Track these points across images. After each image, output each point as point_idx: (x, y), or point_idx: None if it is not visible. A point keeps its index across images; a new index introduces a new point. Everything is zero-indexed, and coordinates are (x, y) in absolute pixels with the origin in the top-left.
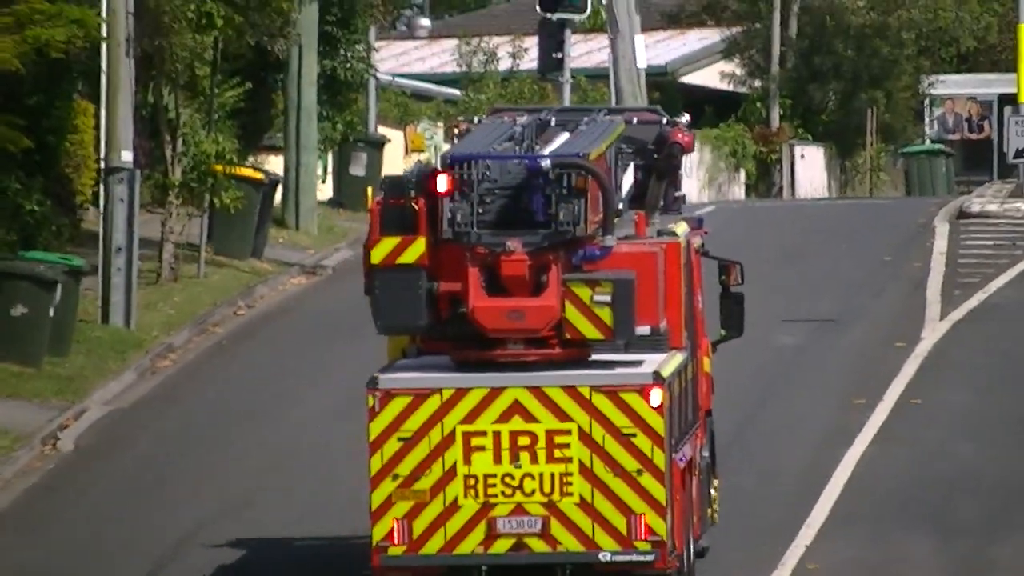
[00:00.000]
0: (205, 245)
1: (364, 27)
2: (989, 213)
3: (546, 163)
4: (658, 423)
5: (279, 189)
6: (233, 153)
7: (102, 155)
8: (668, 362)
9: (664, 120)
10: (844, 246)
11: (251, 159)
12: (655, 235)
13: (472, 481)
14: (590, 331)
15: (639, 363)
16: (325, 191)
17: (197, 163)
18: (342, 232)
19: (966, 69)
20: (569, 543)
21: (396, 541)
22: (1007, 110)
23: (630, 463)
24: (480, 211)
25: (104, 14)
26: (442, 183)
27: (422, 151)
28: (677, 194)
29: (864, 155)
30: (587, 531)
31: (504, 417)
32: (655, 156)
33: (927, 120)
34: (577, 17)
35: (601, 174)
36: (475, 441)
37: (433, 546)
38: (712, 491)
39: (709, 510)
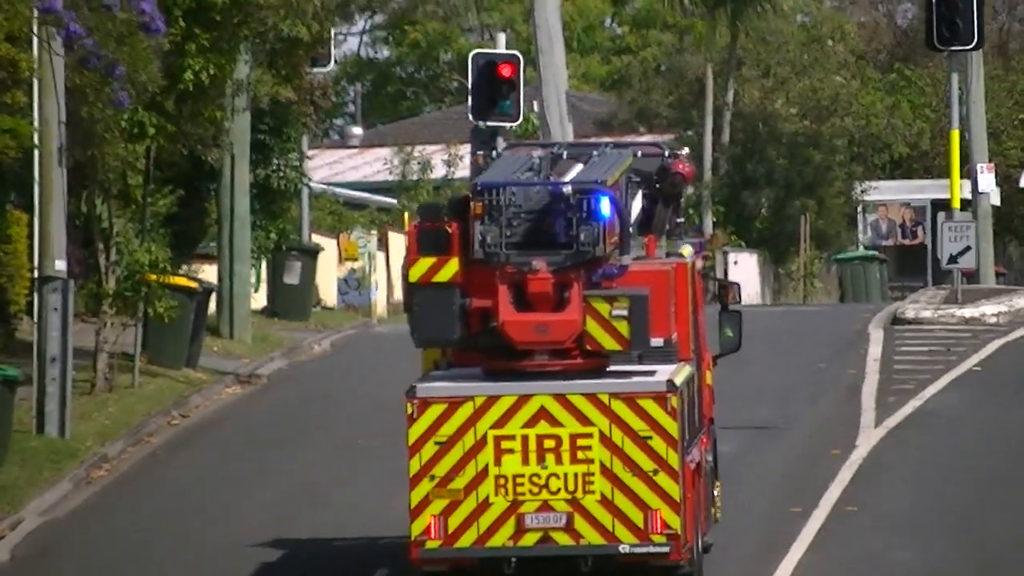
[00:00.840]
0: (139, 354)
1: (297, 136)
2: (924, 319)
3: (568, 189)
4: (672, 427)
5: (213, 298)
6: (167, 262)
7: (35, 264)
8: (679, 372)
9: (666, 153)
10: (779, 353)
11: (185, 268)
12: (664, 256)
13: (502, 481)
14: (609, 343)
15: (654, 372)
16: (259, 300)
17: (131, 272)
18: (276, 341)
19: (899, 175)
20: (591, 536)
21: (433, 535)
22: (940, 216)
23: (647, 463)
24: (508, 233)
25: (36, 124)
26: (475, 207)
27: (356, 259)
28: (679, 220)
29: (798, 261)
30: (608, 526)
31: (531, 422)
32: (659, 185)
33: (860, 226)
34: (509, 125)
35: (618, 199)
36: (505, 444)
37: (467, 540)
38: (715, 492)
39: (713, 509)
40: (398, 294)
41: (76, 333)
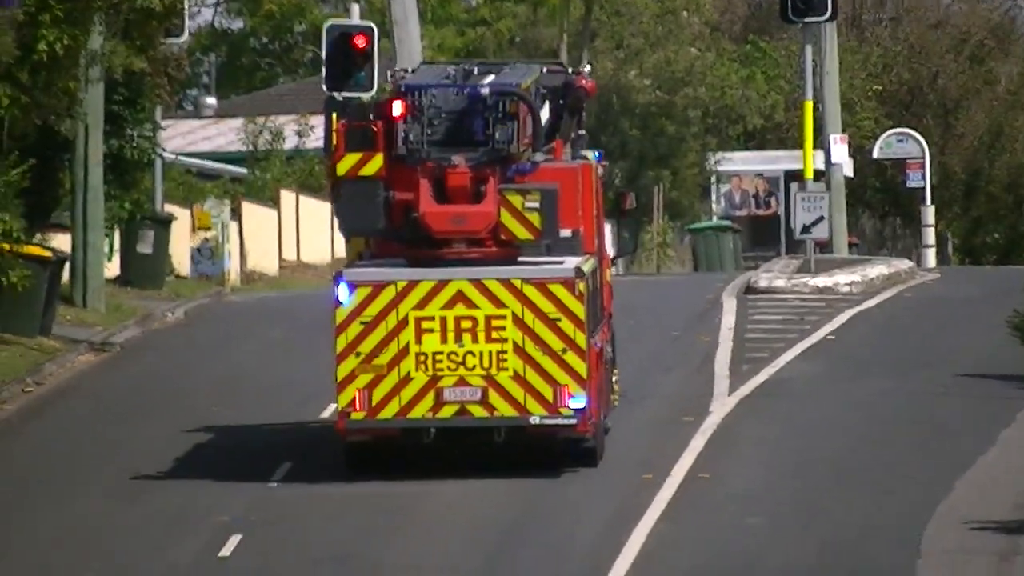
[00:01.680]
0: None
1: (151, 107)
2: (777, 288)
3: (485, 91)
4: (579, 310)
5: (67, 267)
6: (20, 232)
7: None
8: (585, 262)
9: (569, 70)
10: (632, 322)
11: (38, 237)
12: (570, 159)
13: (423, 358)
14: (522, 233)
15: (562, 261)
16: (113, 269)
17: None
18: (130, 310)
19: (753, 147)
20: (504, 409)
21: (358, 408)
22: (793, 186)
23: (556, 343)
24: (429, 132)
25: None
26: (397, 108)
27: (209, 229)
28: (581, 133)
29: (651, 232)
30: (520, 399)
31: (449, 304)
32: (564, 97)
33: (714, 197)
34: (364, 96)
35: (531, 100)
36: (425, 324)
37: (389, 412)
38: (614, 379)
39: (612, 395)
40: (251, 263)
41: None
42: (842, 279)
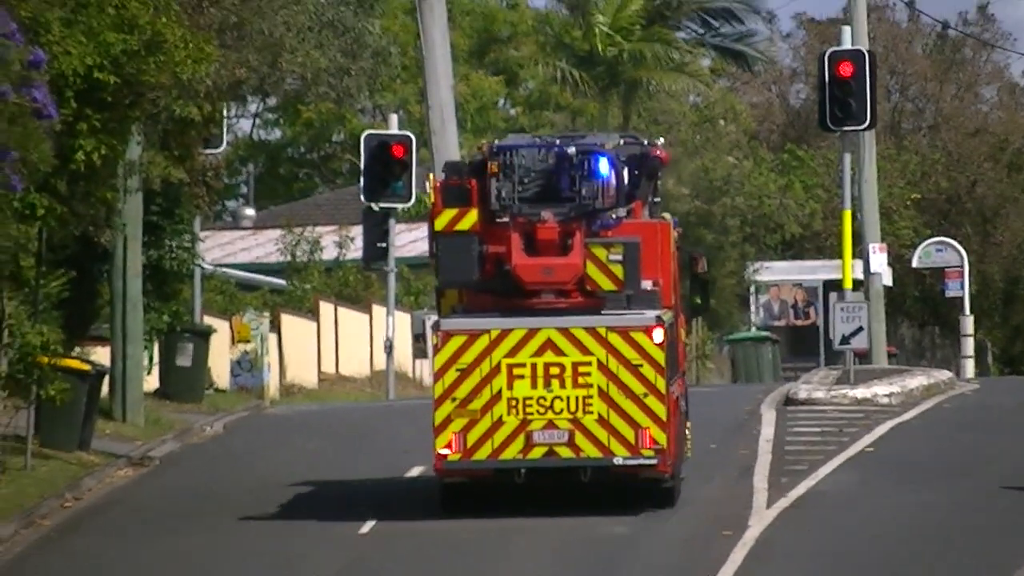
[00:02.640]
0: (32, 437)
1: (189, 217)
2: (816, 400)
3: (572, 150)
4: (660, 356)
5: (106, 380)
6: (59, 344)
7: None
8: (665, 313)
9: (645, 141)
10: None
11: (77, 350)
12: (649, 218)
13: (514, 402)
14: (606, 283)
15: (643, 312)
16: (152, 382)
17: (23, 355)
18: (169, 423)
19: (791, 256)
20: (589, 451)
21: (454, 449)
22: (832, 296)
23: (638, 388)
24: (520, 189)
25: None
26: (491, 166)
27: (248, 341)
28: (656, 200)
29: (689, 342)
30: (604, 441)
31: (539, 352)
32: (641, 164)
33: (753, 306)
34: (401, 206)
35: (615, 158)
36: (516, 371)
37: (483, 453)
38: (687, 432)
39: (686, 447)
40: (290, 376)
41: None
42: (881, 390)
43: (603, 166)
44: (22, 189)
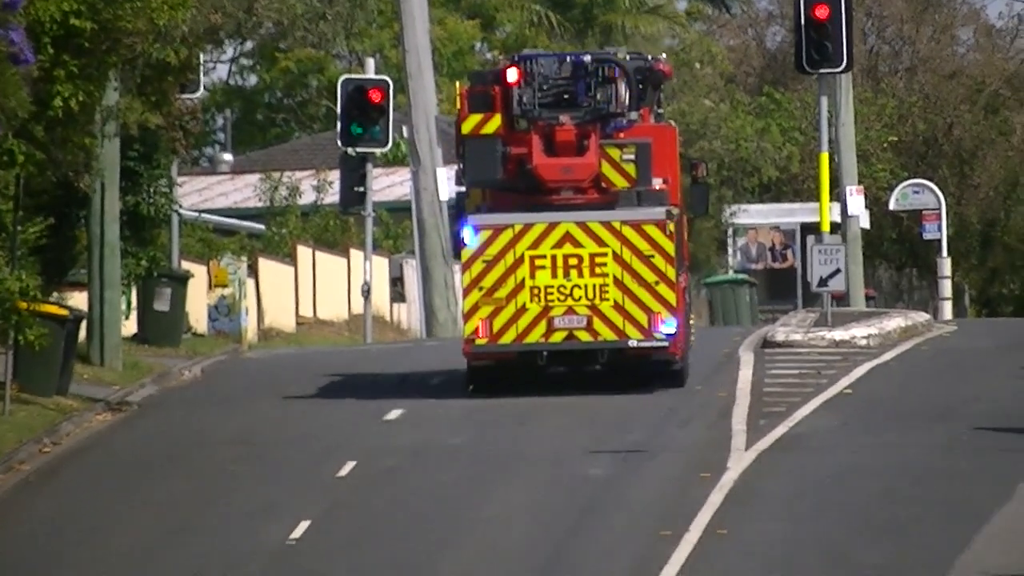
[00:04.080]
0: (11, 383)
1: (167, 163)
2: (794, 342)
3: (587, 58)
4: (670, 247)
5: (84, 325)
6: (37, 290)
7: None
8: (673, 209)
9: (649, 56)
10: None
11: (55, 295)
12: (655, 123)
13: (536, 291)
14: (620, 181)
15: (654, 207)
16: (130, 327)
17: (1, 300)
18: (147, 368)
19: (769, 199)
20: (606, 334)
21: (481, 335)
22: (810, 239)
23: (650, 276)
24: (539, 95)
25: None
26: (512, 75)
27: (226, 285)
28: (660, 111)
29: None
30: (619, 325)
31: (559, 244)
32: (647, 75)
33: (730, 250)
34: (378, 151)
35: (626, 66)
36: (538, 262)
37: (508, 338)
38: (691, 321)
39: (691, 335)
40: (268, 320)
41: None
42: (859, 332)
43: (615, 74)
44: (0, 135)
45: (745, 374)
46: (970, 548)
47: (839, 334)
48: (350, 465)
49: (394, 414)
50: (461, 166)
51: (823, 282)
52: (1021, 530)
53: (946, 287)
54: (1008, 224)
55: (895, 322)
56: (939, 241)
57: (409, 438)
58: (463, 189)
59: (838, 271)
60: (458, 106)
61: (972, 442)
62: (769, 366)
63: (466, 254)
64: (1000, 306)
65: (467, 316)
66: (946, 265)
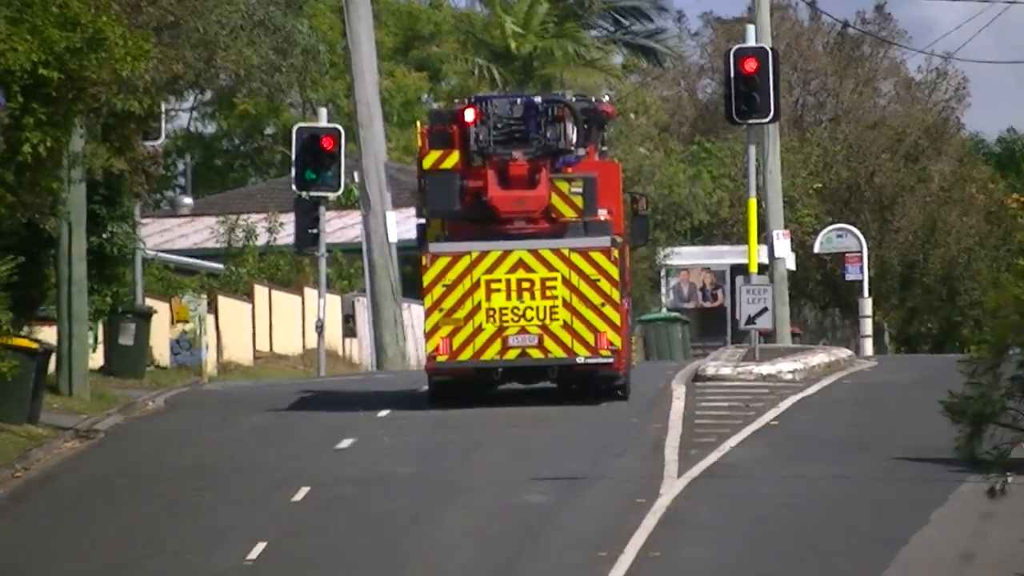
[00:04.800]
0: None
1: (130, 205)
2: (724, 376)
3: (538, 99)
4: (614, 272)
5: (53, 358)
6: (8, 324)
7: None
8: (617, 238)
9: (593, 98)
10: (586, 408)
11: (26, 330)
12: (600, 159)
13: (491, 312)
14: (568, 212)
15: (600, 236)
16: (97, 360)
17: None
18: (113, 398)
19: (700, 241)
20: (556, 352)
21: (441, 352)
22: (739, 279)
23: (596, 299)
24: (494, 133)
25: None
26: (469, 115)
27: (187, 321)
28: (604, 148)
29: None
30: (568, 344)
31: (512, 270)
32: (591, 116)
33: (663, 289)
34: (331, 195)
35: (574, 106)
36: (493, 286)
37: (466, 355)
38: (632, 343)
39: (632, 355)
40: (227, 354)
41: None
42: (785, 367)
43: (564, 114)
44: None
45: (678, 406)
46: (888, 570)
47: (766, 368)
48: (304, 491)
49: (345, 443)
50: (422, 198)
51: (751, 320)
52: (934, 556)
53: (867, 325)
54: (927, 266)
55: (819, 358)
56: (861, 282)
57: (360, 467)
58: (423, 221)
59: (765, 310)
60: (419, 143)
61: (891, 472)
62: (700, 399)
63: (427, 279)
64: (919, 343)
65: (428, 335)
66: (867, 305)
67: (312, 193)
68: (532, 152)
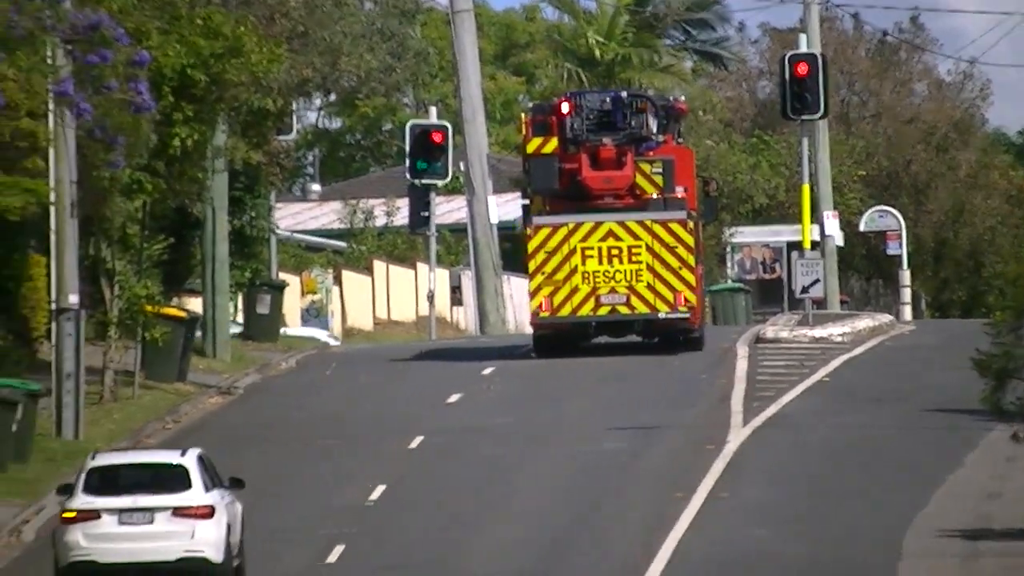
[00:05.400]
0: (139, 372)
1: (266, 192)
2: (781, 339)
3: (624, 94)
4: (690, 240)
5: (198, 325)
6: (160, 296)
7: (53, 298)
8: (692, 212)
9: (671, 97)
10: (662, 367)
11: (175, 300)
12: (677, 145)
13: (586, 275)
14: (650, 189)
15: (677, 210)
16: (237, 326)
17: (131, 304)
18: (251, 360)
19: (760, 221)
20: (641, 308)
21: (543, 308)
22: (794, 254)
23: (675, 263)
24: (587, 123)
25: (52, 184)
26: (565, 107)
27: (315, 293)
28: (680, 140)
29: None
30: (651, 301)
31: (603, 238)
32: (669, 110)
33: (728, 263)
34: (440, 182)
35: (654, 100)
36: (587, 252)
37: (565, 311)
38: (705, 304)
39: (705, 313)
40: (350, 321)
41: (87, 354)
42: (835, 331)
43: (646, 106)
44: (124, 168)
45: (742, 365)
46: (926, 507)
47: (818, 332)
48: (418, 439)
49: (454, 398)
50: (526, 179)
51: (805, 290)
52: (968, 493)
53: (906, 294)
54: (956, 242)
55: (864, 323)
56: (900, 256)
57: (466, 418)
58: (527, 201)
59: (817, 281)
60: (523, 131)
61: (923, 421)
62: (761, 358)
63: (531, 246)
64: (950, 310)
65: (532, 295)
66: (906, 276)
67: (424, 181)
68: (619, 138)
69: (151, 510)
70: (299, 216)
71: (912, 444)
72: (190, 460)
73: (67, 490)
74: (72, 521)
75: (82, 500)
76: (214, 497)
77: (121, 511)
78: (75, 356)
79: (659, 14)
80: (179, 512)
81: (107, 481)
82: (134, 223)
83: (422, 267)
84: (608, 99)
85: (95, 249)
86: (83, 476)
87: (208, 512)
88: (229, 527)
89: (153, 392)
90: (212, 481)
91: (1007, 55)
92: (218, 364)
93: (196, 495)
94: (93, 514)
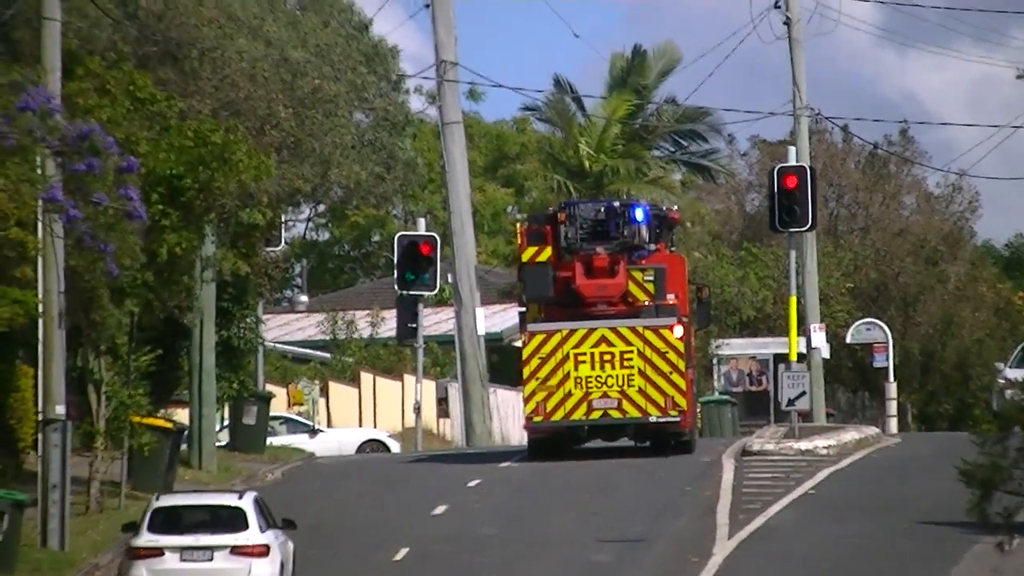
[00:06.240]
0: (125, 482)
1: (253, 303)
2: (767, 451)
3: (616, 203)
4: (681, 346)
5: (185, 436)
6: (147, 406)
7: (40, 408)
8: (683, 318)
9: (664, 206)
10: (649, 479)
11: (162, 411)
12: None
13: (579, 380)
14: (642, 296)
15: (668, 317)
16: (223, 437)
17: (117, 414)
18: (237, 471)
19: (747, 334)
20: (632, 412)
21: (537, 413)
22: (781, 367)
23: (666, 368)
24: (580, 232)
25: (40, 294)
26: (560, 217)
27: (302, 404)
28: (672, 248)
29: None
30: (642, 406)
31: (596, 344)
32: (662, 220)
33: (715, 375)
34: (428, 293)
35: (648, 210)
36: (580, 358)
37: (558, 416)
38: (697, 409)
39: (697, 419)
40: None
41: (73, 465)
42: (820, 443)
43: (639, 213)
44: (118, 277)
45: (727, 477)
46: None
47: (804, 444)
48: (404, 551)
49: (440, 509)
50: (521, 286)
51: (791, 402)
52: None
53: (892, 406)
54: (944, 355)
55: (850, 435)
56: (886, 369)
57: (452, 528)
58: (523, 308)
59: (804, 393)
60: (518, 240)
61: (913, 532)
62: (747, 471)
63: (525, 352)
64: (937, 422)
65: (526, 400)
66: (892, 388)
67: (411, 292)
68: (612, 247)
69: (211, 548)
70: (287, 327)
71: (898, 556)
72: (247, 502)
73: (131, 527)
74: (138, 557)
75: (147, 538)
76: (269, 537)
77: (183, 549)
78: (61, 467)
79: (650, 126)
80: (237, 551)
81: (170, 521)
82: (122, 334)
83: (409, 378)
84: (602, 209)
85: (83, 360)
86: (148, 516)
87: (264, 551)
88: (282, 565)
89: (139, 503)
90: (267, 522)
91: (996, 166)
92: (204, 475)
93: (253, 535)
94: (157, 551)
